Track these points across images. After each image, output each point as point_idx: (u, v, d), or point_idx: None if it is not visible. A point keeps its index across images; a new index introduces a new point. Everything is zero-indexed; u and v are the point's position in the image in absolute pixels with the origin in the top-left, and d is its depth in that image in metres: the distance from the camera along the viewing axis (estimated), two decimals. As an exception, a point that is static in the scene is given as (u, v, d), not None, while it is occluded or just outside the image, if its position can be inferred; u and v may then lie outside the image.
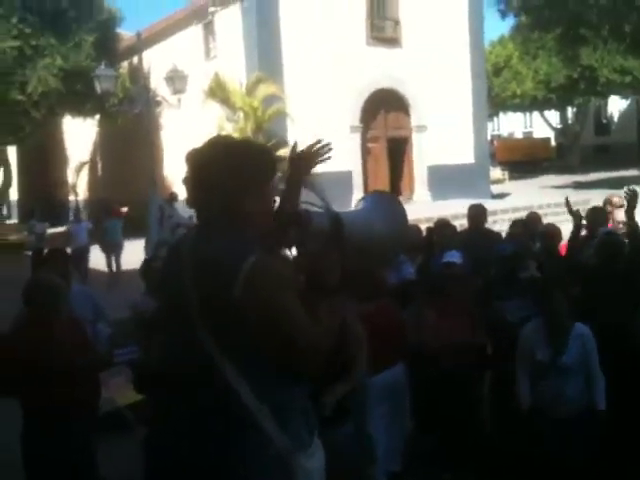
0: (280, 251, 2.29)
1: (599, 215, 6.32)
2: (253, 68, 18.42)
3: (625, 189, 5.04)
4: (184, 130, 20.21)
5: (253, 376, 1.92)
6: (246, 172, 2.00)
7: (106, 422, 4.79)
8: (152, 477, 2.80)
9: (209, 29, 20.95)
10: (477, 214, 7.13)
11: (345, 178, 19.21)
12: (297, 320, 1.93)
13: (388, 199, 2.55)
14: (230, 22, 19.49)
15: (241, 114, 17.62)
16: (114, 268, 13.69)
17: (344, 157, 19.50)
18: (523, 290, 4.65)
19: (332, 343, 2.04)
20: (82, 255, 13.11)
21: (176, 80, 14.45)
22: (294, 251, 2.22)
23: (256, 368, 1.94)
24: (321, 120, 18.70)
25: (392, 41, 20.61)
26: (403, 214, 2.47)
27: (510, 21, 33.05)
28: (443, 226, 6.28)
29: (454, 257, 4.59)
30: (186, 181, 2.10)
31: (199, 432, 1.96)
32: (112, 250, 13.65)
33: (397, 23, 20.70)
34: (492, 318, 4.60)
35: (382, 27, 20.58)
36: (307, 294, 2.07)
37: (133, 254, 13.24)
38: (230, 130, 17.26)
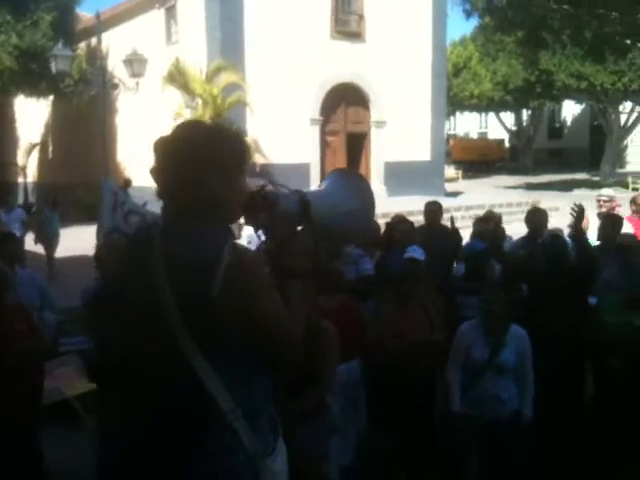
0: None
1: (542, 217, 6.44)
2: (215, 55, 18.20)
3: (572, 205, 5.18)
4: (141, 115, 19.89)
5: (228, 377, 1.86)
6: (218, 159, 1.91)
7: (53, 412, 4.67)
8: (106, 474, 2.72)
9: (171, 14, 20.61)
10: (433, 211, 7.19)
11: (303, 170, 19.18)
12: (277, 313, 1.89)
13: (351, 175, 2.51)
14: (193, 8, 19.21)
15: (200, 101, 17.38)
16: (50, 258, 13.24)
17: (303, 149, 19.50)
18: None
19: (302, 330, 2.00)
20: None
21: (135, 63, 14.17)
22: (262, 234, 2.16)
23: (232, 369, 1.88)
24: (281, 111, 18.64)
25: (356, 36, 20.61)
26: (368, 188, 2.44)
27: (472, 22, 33.46)
28: (401, 222, 6.30)
29: (416, 253, 4.59)
30: (154, 171, 1.97)
31: (163, 431, 1.89)
32: (49, 240, 13.21)
33: (361, 18, 20.71)
34: (449, 313, 4.64)
35: (346, 21, 20.56)
36: (276, 280, 2.04)
37: (81, 241, 12.96)
38: (188, 117, 17.03)
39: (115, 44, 19.98)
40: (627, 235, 5.72)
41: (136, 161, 18.69)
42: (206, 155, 1.89)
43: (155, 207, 3.80)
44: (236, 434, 1.85)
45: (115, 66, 17.94)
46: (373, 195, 2.43)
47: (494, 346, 4.09)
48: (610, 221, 6.16)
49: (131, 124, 21.21)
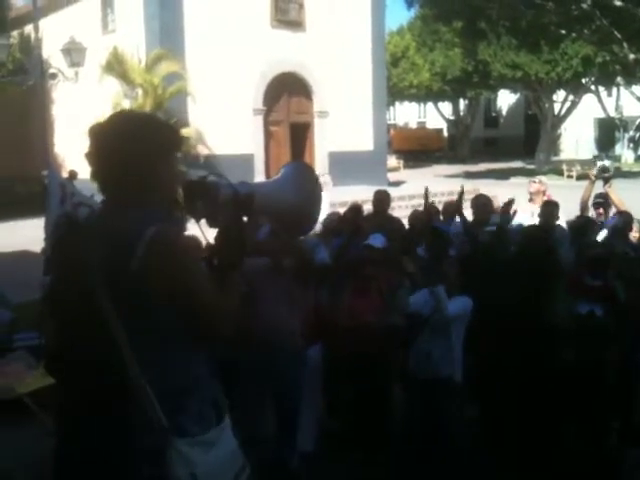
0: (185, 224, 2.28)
1: (487, 203, 6.61)
2: (154, 44, 17.84)
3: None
4: (78, 105, 19.38)
5: (147, 357, 1.92)
6: (150, 143, 2.00)
7: (5, 410, 4.57)
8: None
9: (107, 1, 20.09)
10: (382, 199, 7.31)
11: (247, 161, 19.07)
12: (200, 290, 1.93)
13: (299, 168, 2.53)
14: (129, -5, 18.79)
15: (140, 91, 17.04)
16: None
17: (246, 140, 19.36)
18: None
19: (237, 307, 2.06)
20: None
21: (74, 52, 13.81)
22: (203, 224, 2.18)
23: (153, 343, 1.94)
24: (223, 101, 18.44)
25: (296, 24, 20.55)
26: (315, 181, 2.46)
27: (410, 12, 33.75)
28: (358, 210, 6.41)
29: (377, 240, 4.67)
30: (89, 155, 2.05)
31: (97, 416, 1.94)
32: None
33: (301, 6, 20.65)
34: None
35: (286, 10, 20.46)
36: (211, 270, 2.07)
37: (20, 236, 12.57)
38: (128, 107, 16.69)
39: (49, 32, 19.38)
40: (582, 218, 5.89)
41: (76, 153, 18.23)
42: (137, 139, 1.98)
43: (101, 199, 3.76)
44: (140, 404, 1.89)
45: (51, 55, 17.42)
46: (319, 189, 2.46)
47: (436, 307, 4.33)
48: (549, 208, 6.35)
49: (69, 115, 20.65)
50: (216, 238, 2.04)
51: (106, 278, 1.90)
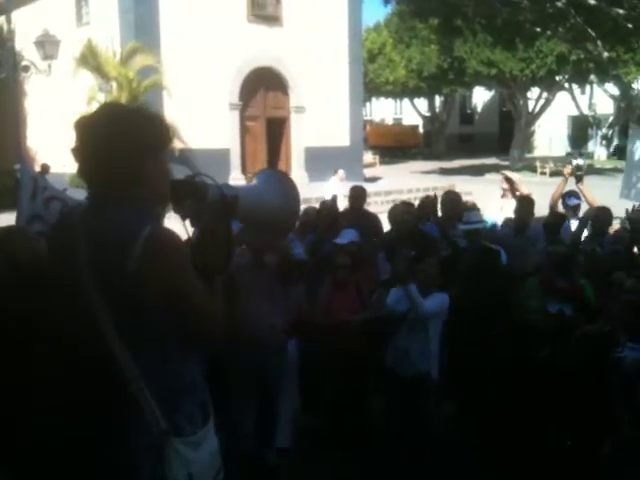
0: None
1: (456, 199, 6.67)
2: (129, 37, 17.68)
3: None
4: (52, 98, 19.14)
5: (142, 351, 1.90)
6: (140, 138, 1.93)
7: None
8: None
9: (81, -7, 19.87)
10: (358, 195, 7.33)
11: (223, 156, 19.00)
12: (196, 288, 1.92)
13: (279, 176, 2.55)
14: (104, -13, 18.58)
15: (114, 84, 16.90)
16: None
17: (222, 135, 19.28)
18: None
19: (223, 308, 2.04)
20: None
21: (47, 45, 13.61)
22: (189, 224, 2.16)
23: (148, 344, 1.92)
24: (199, 95, 18.34)
25: (273, 19, 20.49)
26: (295, 189, 2.48)
27: (386, 8, 33.78)
28: (333, 206, 6.42)
29: (347, 236, 4.68)
30: (76, 151, 1.97)
31: (95, 416, 1.91)
32: None
33: (278, 1, 20.58)
34: None
35: (263, 4, 20.38)
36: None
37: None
38: (102, 100, 16.52)
39: (22, 25, 19.08)
40: (554, 216, 5.93)
41: (48, 147, 18.02)
42: (125, 135, 1.91)
43: (74, 193, 3.70)
44: (139, 407, 1.88)
45: (23, 48, 17.18)
46: (299, 195, 2.48)
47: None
48: (524, 203, 6.39)
49: (42, 109, 20.38)
50: (198, 239, 2.01)
51: (98, 278, 1.86)
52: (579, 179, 6.96)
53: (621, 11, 14.12)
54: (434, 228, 5.94)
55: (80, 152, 1.95)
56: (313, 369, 4.80)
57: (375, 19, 61.49)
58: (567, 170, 7.12)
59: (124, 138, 1.90)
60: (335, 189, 10.81)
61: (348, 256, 4.58)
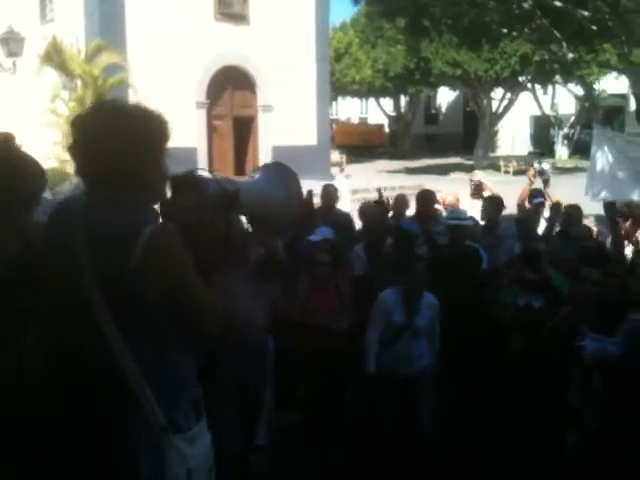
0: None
1: (430, 197, 6.80)
2: (94, 35, 17.45)
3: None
4: (16, 96, 18.80)
5: (142, 348, 1.89)
6: (138, 136, 1.91)
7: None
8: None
9: (44, -11, 19.55)
10: (331, 193, 7.39)
11: (190, 155, 18.84)
12: (197, 286, 1.93)
13: (282, 169, 2.55)
14: (68, -16, 18.32)
15: (79, 82, 16.63)
16: None
17: (189, 133, 19.12)
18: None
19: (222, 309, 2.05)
20: None
21: (12, 42, 13.36)
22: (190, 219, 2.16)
23: (148, 341, 1.91)
24: (166, 93, 18.13)
25: (240, 18, 20.40)
26: (297, 182, 2.48)
27: (353, 8, 33.82)
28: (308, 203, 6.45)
29: (321, 233, 4.72)
30: (72, 149, 1.96)
31: (81, 411, 1.91)
32: None
33: (245, 0, 20.52)
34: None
35: (230, 3, 20.28)
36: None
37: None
38: (67, 98, 16.30)
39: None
40: (525, 213, 6.07)
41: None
42: (123, 132, 1.89)
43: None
44: (139, 404, 1.88)
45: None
46: (301, 189, 2.48)
47: (411, 310, 4.45)
48: (491, 202, 6.53)
49: (6, 105, 19.98)
50: (194, 234, 2.01)
51: (99, 275, 1.85)
52: (546, 183, 7.22)
53: (586, 13, 14.43)
54: (412, 225, 6.03)
55: (78, 151, 1.94)
56: (288, 366, 4.81)
57: (341, 18, 61.62)
58: (531, 173, 7.36)
59: (123, 136, 1.89)
60: (341, 187, 10.90)
61: (327, 253, 4.61)
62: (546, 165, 7.59)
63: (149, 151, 1.95)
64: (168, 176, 2.08)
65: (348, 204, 11.46)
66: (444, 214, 7.28)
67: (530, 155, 38.97)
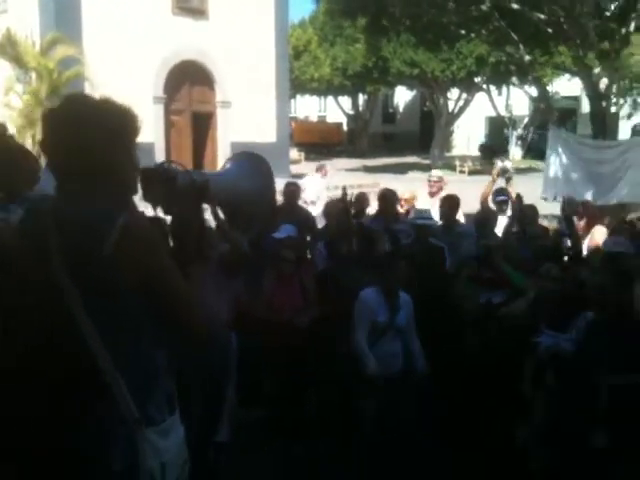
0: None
1: (392, 197, 6.92)
2: (49, 27, 17.09)
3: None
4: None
5: (116, 339, 1.89)
6: (110, 128, 1.94)
7: None
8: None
9: (-4, -21, 19.06)
10: (293, 191, 7.44)
11: (147, 150, 18.61)
12: (173, 275, 1.95)
13: (253, 158, 2.55)
14: (21, -27, 17.90)
15: (34, 75, 16.29)
16: None
17: (147, 128, 18.66)
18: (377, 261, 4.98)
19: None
20: None
21: (-37, 33, 12.99)
22: (159, 210, 2.17)
23: (122, 333, 1.91)
24: (122, 87, 17.82)
25: (198, 12, 20.23)
26: (269, 170, 2.49)
27: (312, 5, 33.71)
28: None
29: (290, 230, 4.74)
30: (43, 142, 1.97)
31: (52, 405, 1.90)
32: None
33: (204, -6, 20.37)
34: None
35: (188, -3, 20.13)
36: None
37: None
38: (21, 91, 15.95)
39: None
40: (483, 212, 6.20)
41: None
42: (95, 125, 1.91)
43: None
44: (112, 396, 1.88)
45: None
46: (273, 177, 2.49)
47: (393, 310, 4.47)
48: (449, 201, 6.66)
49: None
50: (172, 225, 2.02)
51: (71, 263, 1.85)
52: (508, 181, 7.40)
53: (542, 16, 14.74)
54: (376, 223, 6.11)
55: (49, 144, 1.95)
56: (252, 362, 4.82)
57: (300, 15, 61.55)
58: (495, 171, 7.52)
59: (94, 128, 1.91)
60: (318, 185, 11.16)
61: (292, 250, 4.64)
62: (509, 163, 7.78)
63: (121, 143, 1.98)
64: (139, 168, 2.09)
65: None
66: (401, 211, 7.43)
67: (481, 146, 39.65)
